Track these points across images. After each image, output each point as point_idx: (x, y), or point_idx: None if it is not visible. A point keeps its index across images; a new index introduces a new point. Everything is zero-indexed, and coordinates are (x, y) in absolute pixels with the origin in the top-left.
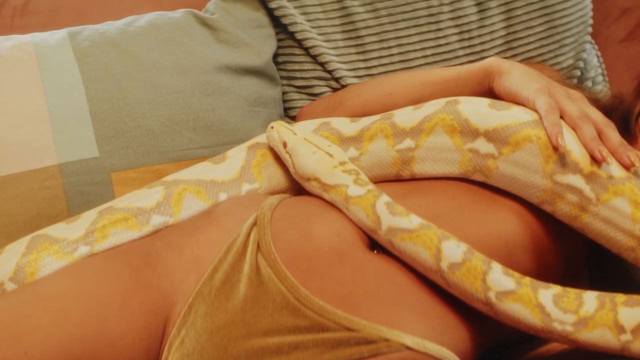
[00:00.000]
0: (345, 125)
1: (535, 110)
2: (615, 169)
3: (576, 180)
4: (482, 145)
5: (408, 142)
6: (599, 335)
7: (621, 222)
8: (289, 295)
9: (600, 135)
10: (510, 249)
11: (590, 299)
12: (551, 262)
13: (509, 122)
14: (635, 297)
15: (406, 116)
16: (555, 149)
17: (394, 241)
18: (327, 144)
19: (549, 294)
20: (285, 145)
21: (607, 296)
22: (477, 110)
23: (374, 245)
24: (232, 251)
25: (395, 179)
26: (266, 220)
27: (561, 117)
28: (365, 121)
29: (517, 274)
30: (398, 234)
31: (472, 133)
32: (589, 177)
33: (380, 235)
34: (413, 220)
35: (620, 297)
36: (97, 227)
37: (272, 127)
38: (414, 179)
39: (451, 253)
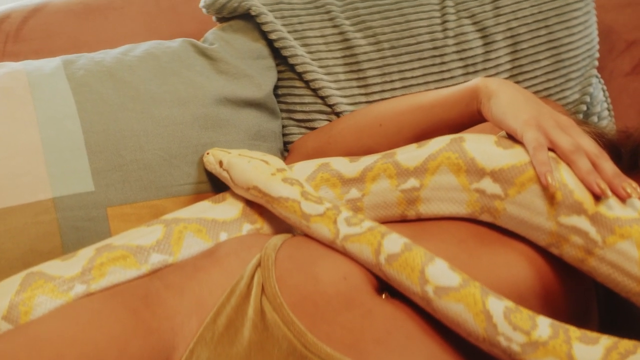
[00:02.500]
0: (345, 166)
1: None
2: (620, 210)
3: (581, 222)
4: (489, 186)
5: (412, 182)
6: None
7: (628, 266)
8: (295, 341)
9: (594, 167)
10: (522, 294)
11: (544, 324)
12: (562, 306)
13: (515, 162)
14: (589, 334)
15: (409, 154)
16: (546, 188)
17: (345, 245)
18: (262, 154)
19: (500, 304)
20: (221, 164)
21: (561, 327)
22: (483, 148)
23: (382, 288)
24: (236, 294)
25: (401, 220)
26: (270, 261)
27: (553, 150)
28: (367, 161)
29: (466, 275)
30: (349, 238)
31: (478, 173)
32: (594, 218)
33: (337, 244)
34: (363, 226)
35: (574, 331)
36: (94, 265)
37: (207, 153)
38: (420, 219)
39: (391, 245)
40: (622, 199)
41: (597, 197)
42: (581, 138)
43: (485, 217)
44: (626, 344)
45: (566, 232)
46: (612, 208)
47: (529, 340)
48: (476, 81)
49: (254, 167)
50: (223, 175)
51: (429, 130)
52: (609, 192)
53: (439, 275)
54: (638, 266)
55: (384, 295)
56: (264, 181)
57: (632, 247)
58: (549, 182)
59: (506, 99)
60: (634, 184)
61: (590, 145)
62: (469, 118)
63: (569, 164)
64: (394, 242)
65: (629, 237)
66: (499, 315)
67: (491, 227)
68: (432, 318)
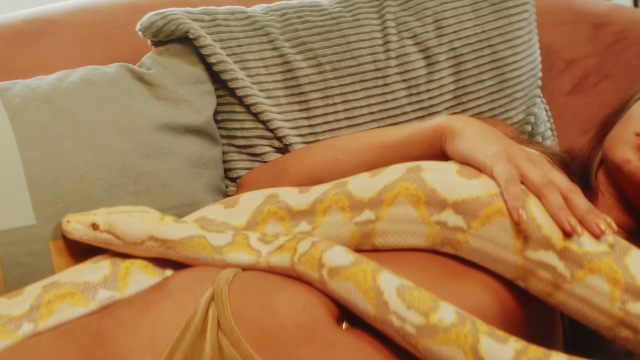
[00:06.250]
0: (294, 197)
1: (493, 178)
2: (589, 244)
3: (548, 257)
4: (450, 218)
5: (367, 214)
6: (449, 355)
7: (598, 301)
8: None
9: (566, 201)
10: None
11: (449, 309)
12: (526, 332)
13: (479, 194)
14: (497, 331)
15: (362, 184)
16: (517, 223)
17: (269, 261)
18: (131, 207)
19: (394, 280)
20: (96, 226)
21: (469, 317)
22: (444, 178)
23: (342, 318)
24: (191, 329)
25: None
26: (224, 295)
27: (523, 183)
28: (316, 191)
29: (365, 258)
30: (272, 254)
31: (439, 204)
32: (562, 253)
33: (261, 264)
34: (281, 240)
35: (482, 325)
36: (42, 303)
37: (68, 221)
38: (376, 250)
39: (303, 246)
40: (596, 236)
41: (568, 235)
42: (552, 173)
43: (447, 249)
44: (536, 350)
45: (533, 267)
46: (581, 243)
47: (427, 322)
48: (440, 120)
49: (140, 219)
50: (102, 237)
51: None
52: (580, 230)
53: (333, 258)
54: (609, 300)
55: (344, 325)
56: (159, 228)
57: (601, 281)
58: (521, 218)
59: (472, 135)
60: (609, 219)
61: (562, 179)
62: (432, 157)
63: (540, 198)
64: (305, 243)
65: (598, 271)
66: (390, 291)
67: (455, 257)
68: (396, 347)
